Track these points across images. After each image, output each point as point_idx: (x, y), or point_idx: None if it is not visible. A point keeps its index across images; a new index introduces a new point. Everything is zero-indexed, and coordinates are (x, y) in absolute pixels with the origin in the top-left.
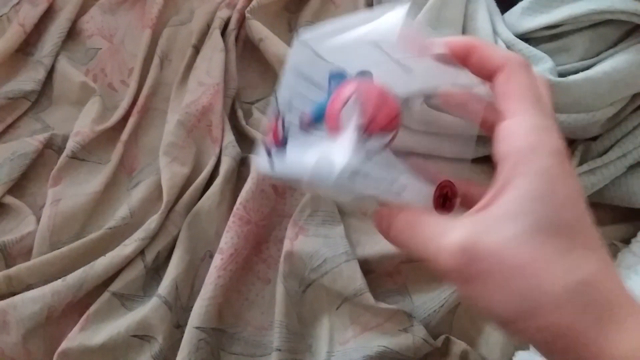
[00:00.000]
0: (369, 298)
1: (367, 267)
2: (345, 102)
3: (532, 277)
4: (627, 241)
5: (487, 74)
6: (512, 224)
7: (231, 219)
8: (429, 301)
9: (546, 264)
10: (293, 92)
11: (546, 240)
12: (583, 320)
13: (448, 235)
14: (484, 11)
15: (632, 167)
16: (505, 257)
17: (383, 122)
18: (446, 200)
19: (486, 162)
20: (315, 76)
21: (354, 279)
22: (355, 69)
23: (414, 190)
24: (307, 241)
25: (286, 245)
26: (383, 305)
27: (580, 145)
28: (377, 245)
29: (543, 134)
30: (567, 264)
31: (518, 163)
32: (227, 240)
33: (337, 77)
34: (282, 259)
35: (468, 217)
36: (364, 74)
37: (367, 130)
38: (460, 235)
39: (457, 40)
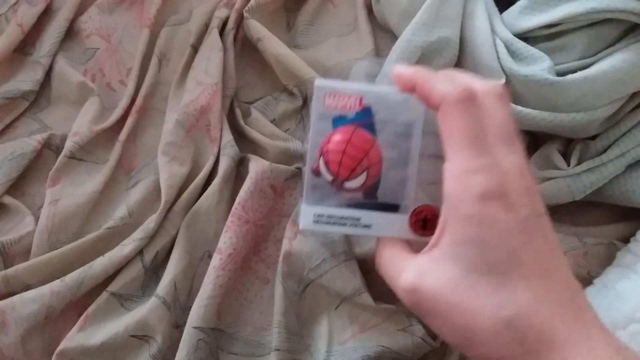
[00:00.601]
0: (367, 298)
1: (366, 266)
2: (320, 153)
3: (467, 314)
4: (626, 240)
5: (433, 109)
6: (449, 266)
7: (230, 218)
8: None
9: (478, 302)
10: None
11: (478, 280)
12: (513, 353)
13: (401, 277)
14: (483, 10)
15: (631, 166)
16: (444, 298)
17: (345, 174)
18: (427, 222)
19: None
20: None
21: (352, 279)
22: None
23: (386, 222)
24: (306, 241)
25: (285, 245)
26: (382, 305)
27: (579, 144)
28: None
29: (469, 178)
30: (497, 302)
31: (449, 209)
32: (226, 240)
33: (339, 120)
34: (280, 259)
35: (417, 259)
36: (365, 112)
37: (334, 182)
38: (408, 278)
39: (404, 73)
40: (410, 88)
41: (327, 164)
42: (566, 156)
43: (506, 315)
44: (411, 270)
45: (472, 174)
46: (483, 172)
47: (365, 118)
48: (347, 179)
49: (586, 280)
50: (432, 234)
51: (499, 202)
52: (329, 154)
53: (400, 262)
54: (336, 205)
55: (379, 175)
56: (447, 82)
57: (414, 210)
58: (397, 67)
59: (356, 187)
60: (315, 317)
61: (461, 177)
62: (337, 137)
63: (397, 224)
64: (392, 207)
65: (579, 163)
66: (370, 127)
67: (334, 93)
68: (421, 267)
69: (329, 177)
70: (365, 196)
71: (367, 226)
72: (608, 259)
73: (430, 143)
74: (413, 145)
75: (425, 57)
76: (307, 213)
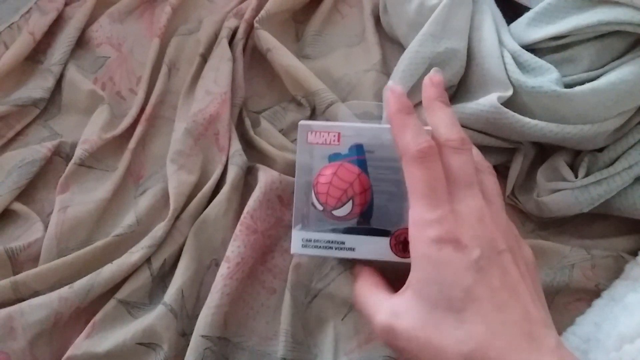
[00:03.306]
0: None
1: None
2: (312, 187)
3: (434, 350)
4: (634, 253)
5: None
6: (418, 305)
7: (238, 227)
8: None
9: (443, 339)
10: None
11: (442, 317)
12: None
13: (377, 316)
14: (490, 22)
15: (639, 179)
16: (415, 337)
17: (332, 203)
18: (406, 244)
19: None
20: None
21: None
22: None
23: (369, 245)
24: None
25: (295, 258)
26: None
27: (586, 156)
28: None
29: (425, 226)
30: (458, 337)
31: (413, 251)
32: (234, 249)
33: (334, 157)
34: (290, 269)
35: (392, 299)
36: (357, 146)
37: (325, 211)
38: (383, 318)
39: (389, 107)
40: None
41: (317, 195)
42: (574, 168)
43: (465, 350)
44: (386, 311)
45: (427, 223)
46: (436, 222)
47: (357, 155)
48: (335, 207)
49: (594, 293)
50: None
51: (451, 246)
52: (318, 186)
53: (376, 302)
54: (322, 231)
55: (367, 204)
56: (411, 135)
57: (394, 233)
58: (391, 91)
59: (344, 214)
60: (322, 327)
61: (419, 224)
62: (326, 171)
63: (379, 246)
64: (375, 232)
65: (586, 175)
66: (362, 163)
67: (314, 130)
68: (395, 308)
69: (320, 207)
70: (358, 223)
71: (351, 249)
72: (616, 272)
73: None
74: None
75: (432, 67)
76: (296, 238)
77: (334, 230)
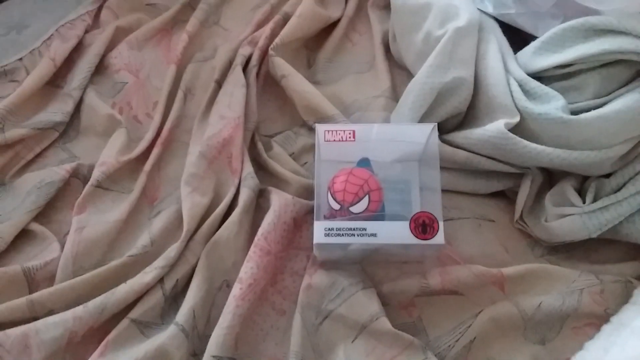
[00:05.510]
0: (385, 322)
1: (382, 299)
2: (328, 190)
3: None
4: None
5: None
6: None
7: (252, 249)
8: (444, 335)
9: None
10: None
11: None
12: None
13: None
14: (495, 50)
15: None
16: None
17: (350, 199)
18: (426, 227)
19: (501, 197)
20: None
21: (370, 305)
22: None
23: (390, 230)
24: (326, 273)
25: (305, 279)
26: (399, 332)
27: (594, 181)
28: (391, 279)
29: None
30: None
31: None
32: (247, 270)
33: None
34: (301, 290)
35: None
36: (364, 160)
37: (342, 209)
38: None
39: None
40: None
41: (334, 194)
42: (582, 193)
43: None
44: None
45: None
46: None
47: (366, 167)
48: (352, 203)
49: (603, 318)
50: (431, 237)
51: None
52: (335, 186)
53: None
54: (344, 219)
55: (381, 204)
56: None
57: (413, 216)
58: None
59: (361, 210)
60: (332, 350)
61: None
62: (340, 173)
63: (401, 231)
64: (396, 218)
65: (594, 201)
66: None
67: (331, 130)
68: None
69: (337, 206)
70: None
71: (373, 235)
72: (625, 297)
73: (427, 178)
74: (413, 197)
75: (441, 95)
76: (319, 228)
77: (353, 219)
